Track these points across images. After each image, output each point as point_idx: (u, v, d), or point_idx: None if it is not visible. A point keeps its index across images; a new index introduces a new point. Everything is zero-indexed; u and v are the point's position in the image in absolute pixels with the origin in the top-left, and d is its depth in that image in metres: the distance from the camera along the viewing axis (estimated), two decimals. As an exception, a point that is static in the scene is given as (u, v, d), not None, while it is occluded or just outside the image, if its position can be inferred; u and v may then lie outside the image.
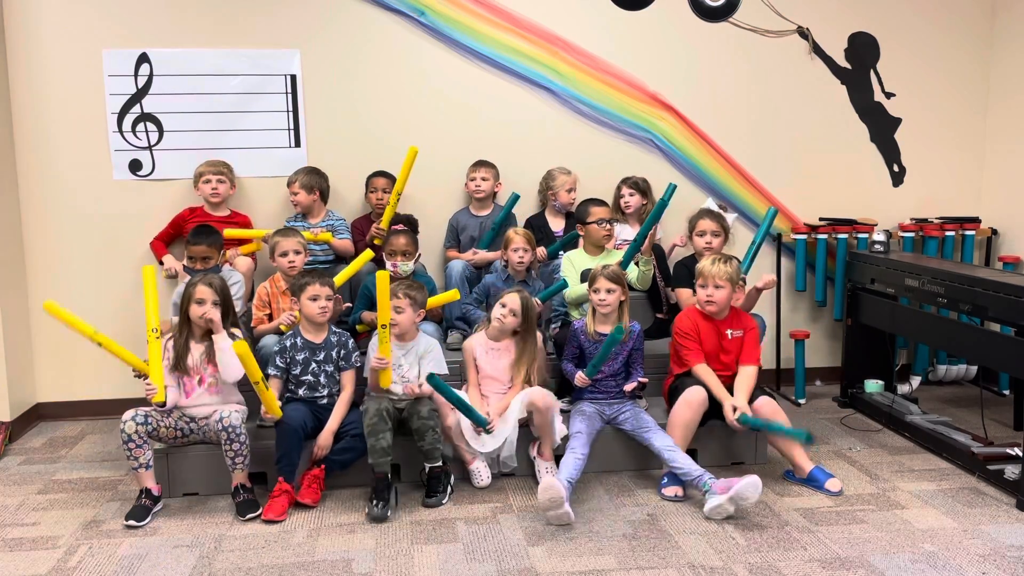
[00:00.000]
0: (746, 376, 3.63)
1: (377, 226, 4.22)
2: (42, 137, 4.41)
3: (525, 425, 3.62)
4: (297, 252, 3.90)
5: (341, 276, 3.92)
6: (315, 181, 4.39)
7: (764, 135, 4.90)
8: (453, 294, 3.96)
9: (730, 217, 4.55)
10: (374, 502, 3.30)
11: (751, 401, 3.56)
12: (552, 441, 3.60)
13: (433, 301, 3.91)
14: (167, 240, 4.41)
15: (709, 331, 3.69)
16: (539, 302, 3.99)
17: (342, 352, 3.61)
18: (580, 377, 3.62)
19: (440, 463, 3.46)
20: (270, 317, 3.93)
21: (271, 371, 3.52)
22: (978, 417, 4.15)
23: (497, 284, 4.06)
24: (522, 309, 3.65)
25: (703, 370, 3.64)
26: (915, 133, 5.02)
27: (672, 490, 3.46)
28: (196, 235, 3.95)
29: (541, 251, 4.37)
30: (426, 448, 3.42)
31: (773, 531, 3.17)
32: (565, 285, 4.05)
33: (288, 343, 3.58)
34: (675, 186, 4.02)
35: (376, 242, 4.21)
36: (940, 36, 4.97)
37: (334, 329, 3.66)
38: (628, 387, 3.67)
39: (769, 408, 3.55)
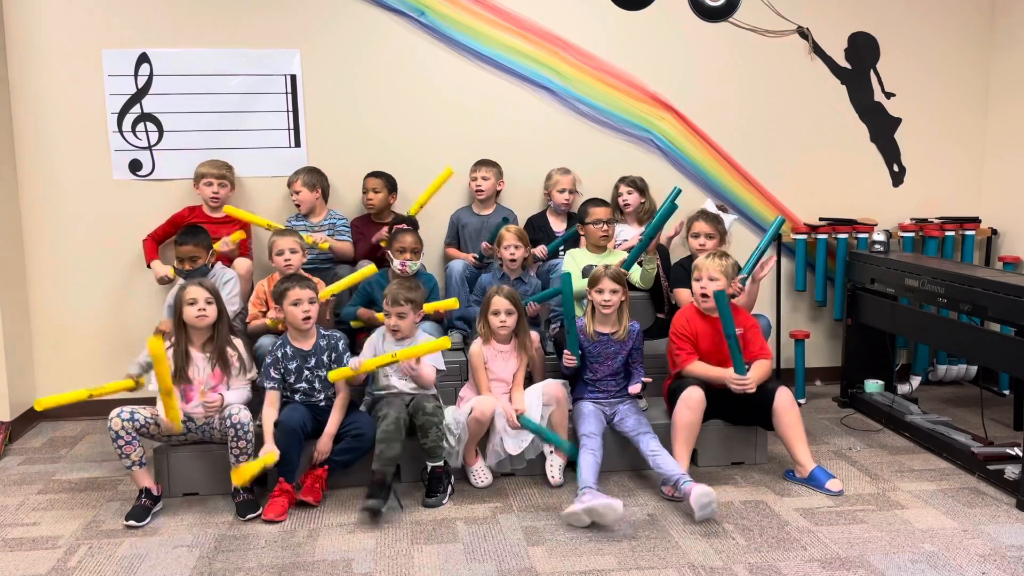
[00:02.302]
0: (758, 365, 3.62)
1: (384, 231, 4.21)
2: (42, 137, 4.41)
3: None
4: (293, 251, 3.89)
5: (340, 285, 3.90)
6: (316, 179, 4.39)
7: (764, 135, 4.90)
8: (452, 303, 3.94)
9: (730, 218, 4.54)
10: (369, 498, 3.28)
11: (770, 391, 3.60)
12: (566, 436, 3.63)
13: (432, 307, 3.91)
14: (161, 239, 4.37)
15: (707, 330, 3.69)
16: (535, 305, 3.99)
17: (332, 355, 3.60)
18: (567, 356, 3.63)
19: (441, 463, 3.46)
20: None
21: (268, 384, 3.50)
22: (978, 417, 4.15)
23: (493, 283, 4.05)
24: (513, 303, 3.66)
25: (696, 366, 3.64)
26: (915, 133, 5.02)
27: (671, 490, 3.46)
28: (183, 235, 3.92)
29: (542, 249, 4.37)
30: (429, 445, 3.42)
31: (773, 531, 3.17)
32: (560, 291, 4.04)
33: (280, 353, 3.55)
34: (679, 190, 4.04)
35: (383, 244, 4.19)
36: (940, 36, 4.97)
37: (323, 332, 3.64)
38: (633, 389, 3.67)
39: (787, 400, 3.61)
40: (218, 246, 4.04)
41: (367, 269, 3.96)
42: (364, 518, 3.28)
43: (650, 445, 3.48)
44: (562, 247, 4.39)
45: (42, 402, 3.34)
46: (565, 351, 3.66)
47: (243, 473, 3.28)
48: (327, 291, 3.84)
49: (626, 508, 3.35)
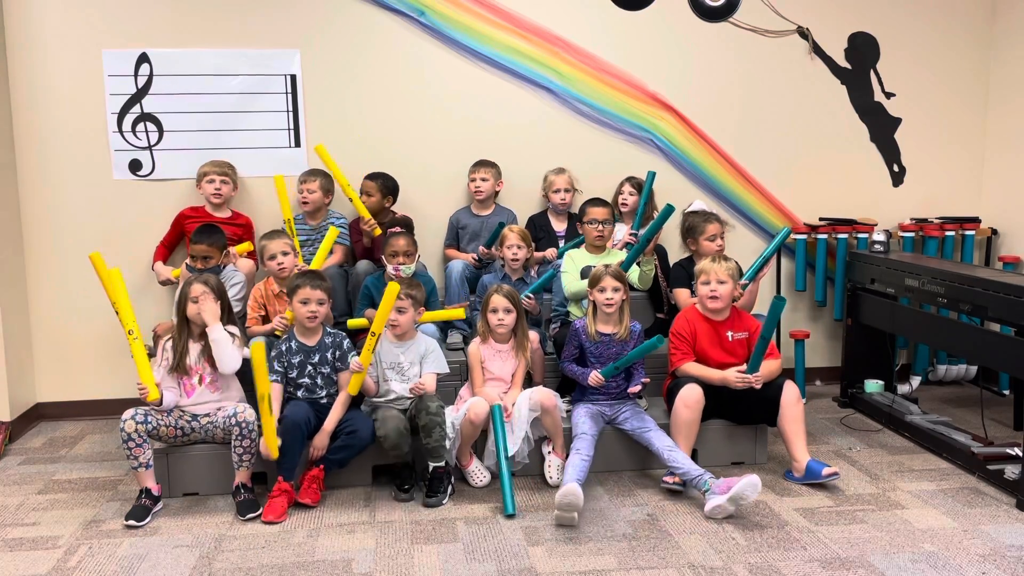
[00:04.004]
0: (767, 364, 3.59)
1: (364, 222, 4.20)
2: (42, 137, 4.41)
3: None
4: (285, 253, 3.88)
5: (316, 261, 3.96)
6: (331, 186, 4.39)
7: (764, 135, 4.90)
8: (459, 312, 3.95)
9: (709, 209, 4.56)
10: (405, 487, 3.47)
11: (777, 386, 3.59)
12: (563, 438, 3.63)
13: (437, 315, 3.91)
14: (169, 245, 4.39)
15: (709, 333, 3.68)
16: (531, 298, 3.98)
17: (337, 353, 3.60)
18: (595, 377, 3.59)
19: (443, 463, 3.46)
20: (265, 319, 3.92)
21: (271, 377, 3.50)
22: (978, 417, 4.16)
23: (495, 284, 4.04)
24: (511, 302, 3.67)
25: (691, 366, 3.64)
26: (915, 133, 5.02)
27: (672, 479, 3.46)
28: (199, 234, 3.93)
29: (552, 252, 4.37)
30: (432, 445, 3.42)
31: (773, 531, 3.17)
32: (554, 274, 4.06)
33: (284, 347, 3.57)
34: (672, 208, 4.03)
35: (376, 233, 4.18)
36: (940, 36, 4.97)
37: (328, 330, 3.65)
38: (633, 390, 3.66)
39: (794, 395, 3.59)
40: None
41: (330, 235, 4.05)
42: (400, 499, 3.47)
43: (664, 442, 3.48)
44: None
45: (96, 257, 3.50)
46: (594, 371, 3.62)
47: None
48: (314, 263, 3.95)
49: (626, 508, 3.36)
